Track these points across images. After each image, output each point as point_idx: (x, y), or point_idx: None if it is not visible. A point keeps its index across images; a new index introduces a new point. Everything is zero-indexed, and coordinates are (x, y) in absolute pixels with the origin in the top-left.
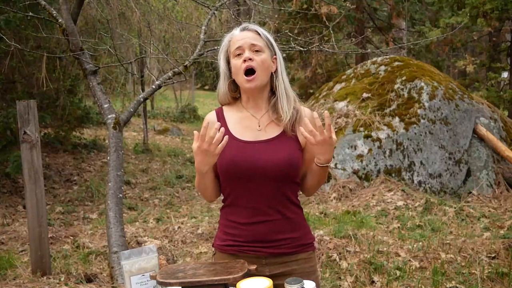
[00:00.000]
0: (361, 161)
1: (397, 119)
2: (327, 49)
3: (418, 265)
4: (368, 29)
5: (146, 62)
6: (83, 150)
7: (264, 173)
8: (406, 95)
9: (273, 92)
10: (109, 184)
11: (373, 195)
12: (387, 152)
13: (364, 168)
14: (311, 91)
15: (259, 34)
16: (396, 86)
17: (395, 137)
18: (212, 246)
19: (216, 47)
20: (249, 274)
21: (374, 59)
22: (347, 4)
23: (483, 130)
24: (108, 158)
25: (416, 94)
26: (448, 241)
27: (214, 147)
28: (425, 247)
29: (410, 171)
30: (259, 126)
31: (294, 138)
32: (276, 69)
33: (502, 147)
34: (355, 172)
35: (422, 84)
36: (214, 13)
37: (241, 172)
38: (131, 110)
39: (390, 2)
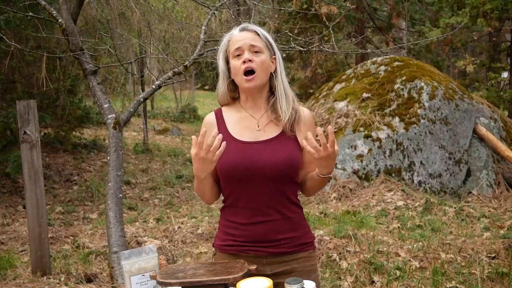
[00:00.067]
0: (361, 161)
1: (397, 119)
2: (327, 49)
3: (418, 265)
4: (368, 29)
5: (146, 62)
6: (83, 150)
7: (263, 174)
8: (406, 95)
9: (272, 92)
10: (109, 184)
11: (373, 195)
12: (387, 152)
13: (364, 168)
14: (311, 91)
15: (258, 34)
16: (396, 86)
17: (395, 137)
18: (212, 246)
19: (216, 47)
20: (249, 274)
21: (374, 59)
22: (347, 4)
23: (483, 130)
24: (108, 158)
25: (416, 94)
26: (448, 241)
27: (211, 154)
28: (425, 247)
29: (410, 171)
30: (258, 126)
31: (293, 138)
32: (275, 69)
33: (502, 147)
34: (355, 172)
35: (422, 84)
36: (214, 13)
37: (240, 173)
38: (131, 110)
39: (390, 2)
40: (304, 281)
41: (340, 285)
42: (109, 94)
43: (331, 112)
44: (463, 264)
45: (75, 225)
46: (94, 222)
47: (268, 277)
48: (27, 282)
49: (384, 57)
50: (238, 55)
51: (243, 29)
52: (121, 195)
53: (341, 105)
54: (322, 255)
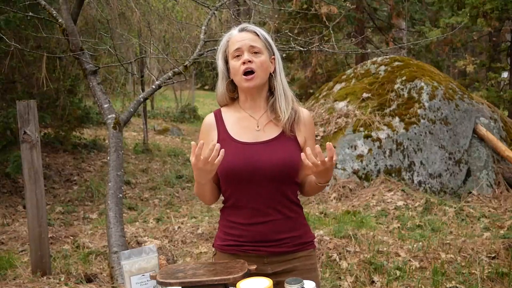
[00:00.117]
0: (361, 161)
1: (397, 119)
2: (327, 49)
3: (418, 265)
4: (368, 29)
5: (146, 62)
6: (83, 150)
7: (263, 175)
8: (406, 95)
9: (271, 92)
10: (109, 184)
11: (373, 195)
12: (387, 152)
13: (364, 168)
14: (311, 91)
15: (257, 35)
16: (396, 86)
17: (395, 137)
18: (212, 246)
19: (216, 47)
20: (249, 274)
21: (374, 59)
22: (347, 4)
23: (483, 130)
24: (108, 158)
25: (416, 94)
26: (448, 241)
27: (209, 165)
28: (425, 247)
29: (410, 171)
30: (258, 127)
31: (293, 138)
32: (275, 69)
33: (502, 147)
34: (355, 172)
35: (422, 84)
36: (214, 13)
37: (240, 174)
38: (131, 110)
39: (390, 2)
40: (304, 281)
41: (340, 285)
42: (109, 94)
43: (331, 112)
44: (463, 264)
45: (75, 225)
46: (94, 222)
47: (269, 276)
48: (27, 282)
49: (384, 57)
50: (238, 56)
51: (242, 30)
52: (121, 195)
53: (341, 105)
54: (322, 255)
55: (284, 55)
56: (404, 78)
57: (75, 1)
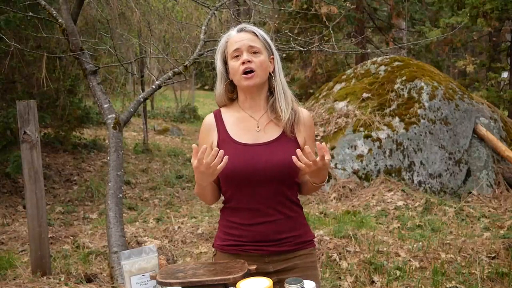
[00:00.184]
0: (361, 161)
1: (397, 119)
2: (327, 49)
3: (418, 265)
4: (368, 29)
5: (146, 62)
6: (83, 150)
7: (264, 176)
8: (406, 95)
9: (271, 92)
10: (109, 184)
11: (373, 195)
12: (387, 152)
13: (364, 168)
14: (311, 91)
15: (256, 35)
16: (396, 86)
17: (395, 137)
18: (212, 246)
19: (216, 47)
20: (249, 274)
21: (374, 59)
22: (347, 4)
23: (483, 130)
24: (108, 158)
25: (416, 94)
26: (448, 241)
27: (211, 170)
28: (425, 247)
29: (410, 171)
30: (258, 127)
31: (293, 139)
32: (274, 69)
33: (502, 147)
34: (355, 172)
35: (422, 84)
36: (214, 13)
37: (241, 176)
38: (131, 110)
39: (390, 2)
40: (304, 281)
41: (340, 285)
42: (109, 94)
43: (331, 112)
44: (463, 264)
45: (75, 225)
46: (94, 222)
47: (270, 274)
48: (27, 282)
49: (384, 57)
50: (237, 56)
51: (241, 30)
52: (121, 195)
53: (341, 105)
54: (322, 255)
55: (284, 55)
56: (404, 78)
57: (75, 1)
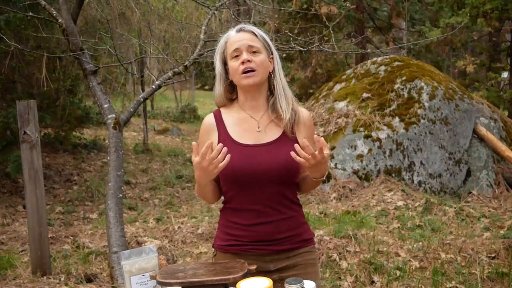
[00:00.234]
0: (361, 161)
1: (397, 119)
2: (327, 49)
3: (418, 265)
4: (368, 29)
5: (146, 62)
6: (83, 150)
7: (265, 177)
8: (406, 95)
9: (271, 92)
10: (109, 184)
11: (373, 195)
12: (387, 152)
13: (364, 168)
14: (311, 91)
15: (255, 35)
16: (396, 86)
17: (395, 137)
18: (212, 247)
19: (215, 47)
20: (249, 274)
21: (374, 59)
22: (347, 4)
23: (483, 130)
24: (108, 158)
25: (416, 94)
26: (448, 241)
27: (214, 166)
28: (425, 247)
29: (410, 171)
30: (259, 128)
31: (294, 139)
32: (274, 68)
33: (502, 147)
34: (355, 172)
35: (422, 84)
36: (214, 13)
37: (242, 177)
38: (131, 110)
39: (390, 2)
40: (304, 281)
41: (340, 285)
42: (109, 94)
43: (331, 112)
44: (463, 264)
45: (75, 225)
46: (94, 222)
47: (272, 272)
48: (27, 282)
49: (384, 57)
50: (236, 56)
51: (240, 30)
52: (121, 195)
53: (341, 105)
54: (322, 255)
55: (284, 55)
56: (404, 78)
57: (75, 1)
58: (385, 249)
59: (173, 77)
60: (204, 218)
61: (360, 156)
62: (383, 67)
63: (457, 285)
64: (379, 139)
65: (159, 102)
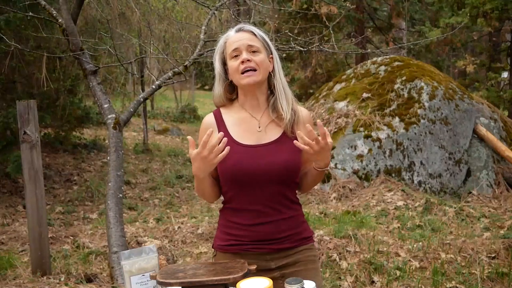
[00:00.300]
0: (361, 161)
1: (397, 119)
2: (327, 49)
3: (418, 265)
4: (368, 29)
5: (146, 62)
6: (83, 150)
7: (266, 177)
8: (406, 95)
9: (271, 91)
10: (109, 184)
11: (373, 195)
12: (387, 152)
13: (364, 168)
14: (311, 91)
15: (254, 34)
16: (396, 86)
17: (395, 137)
18: (212, 247)
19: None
20: (249, 274)
21: (374, 59)
22: (347, 4)
23: (483, 130)
24: (108, 158)
25: (416, 94)
26: (448, 241)
27: (214, 155)
28: (425, 247)
29: (410, 171)
30: (259, 127)
31: (294, 139)
32: (273, 68)
33: (502, 147)
34: (355, 172)
35: (422, 84)
36: (214, 13)
37: (243, 177)
38: (131, 110)
39: (390, 2)
40: (304, 281)
41: (340, 285)
42: (109, 94)
43: (331, 112)
44: (463, 264)
45: (75, 225)
46: (94, 222)
47: (273, 270)
48: (27, 282)
49: (384, 57)
50: (236, 56)
51: (239, 30)
52: (121, 195)
53: (341, 105)
54: (322, 255)
55: (284, 55)
56: (404, 78)
57: (75, 1)
58: (385, 249)
59: (173, 77)
60: (204, 218)
61: (360, 156)
62: (383, 67)
63: (457, 285)
64: (379, 139)
65: (159, 102)
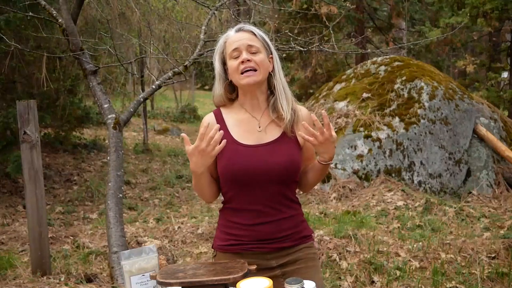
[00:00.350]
0: (361, 161)
1: (397, 119)
2: (327, 49)
3: (418, 265)
4: (368, 29)
5: (146, 62)
6: (83, 150)
7: (265, 177)
8: (406, 95)
9: (271, 91)
10: (109, 184)
11: (373, 195)
12: (387, 152)
13: (364, 168)
14: (311, 91)
15: (254, 34)
16: (396, 86)
17: (395, 137)
18: (212, 247)
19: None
20: (249, 274)
21: (374, 59)
22: (347, 4)
23: (483, 130)
24: (108, 158)
25: (416, 94)
26: (448, 241)
27: (211, 148)
28: (425, 247)
29: (410, 171)
30: (260, 127)
31: (293, 139)
32: (273, 68)
33: (502, 147)
34: (355, 172)
35: (422, 84)
36: (214, 13)
37: (243, 177)
38: (131, 110)
39: (390, 2)
40: (304, 281)
41: (340, 285)
42: (109, 94)
43: (331, 112)
44: (463, 264)
45: (75, 225)
46: (94, 222)
47: (273, 268)
48: (27, 282)
49: (384, 57)
50: (236, 56)
51: (239, 30)
52: (121, 195)
53: (341, 105)
54: (322, 255)
55: (284, 55)
56: (404, 78)
57: (75, 1)
58: (385, 249)
59: (173, 77)
60: (204, 218)
61: (360, 156)
62: (383, 67)
63: (457, 285)
64: (379, 139)
65: (159, 102)
